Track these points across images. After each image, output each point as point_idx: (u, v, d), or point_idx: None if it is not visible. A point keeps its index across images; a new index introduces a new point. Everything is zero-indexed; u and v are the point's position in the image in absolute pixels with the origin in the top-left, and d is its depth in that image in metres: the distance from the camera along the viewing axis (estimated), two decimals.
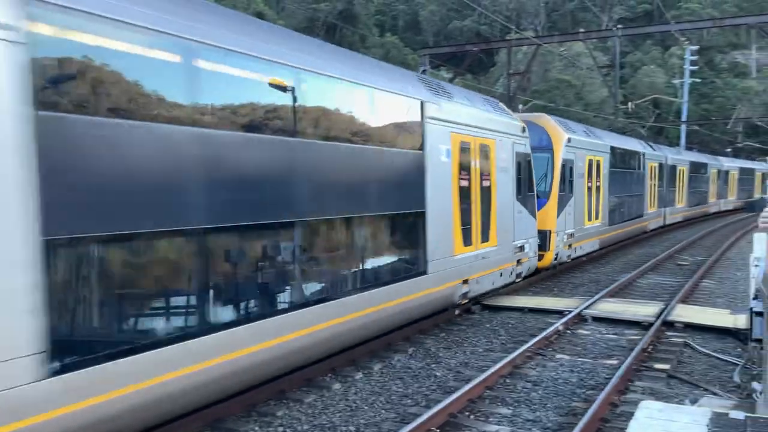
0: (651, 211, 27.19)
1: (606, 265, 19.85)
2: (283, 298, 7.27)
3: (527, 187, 14.49)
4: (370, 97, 8.97)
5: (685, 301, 13.84)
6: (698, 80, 55.03)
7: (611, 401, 7.67)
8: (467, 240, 11.68)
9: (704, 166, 39.33)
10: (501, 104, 14.61)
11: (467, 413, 7.44)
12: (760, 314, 8.07)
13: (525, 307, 13.01)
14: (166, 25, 5.87)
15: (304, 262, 7.60)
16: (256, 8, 69.72)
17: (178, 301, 6.04)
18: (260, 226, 6.90)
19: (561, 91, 57.64)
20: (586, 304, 12.93)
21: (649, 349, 10.05)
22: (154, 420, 5.88)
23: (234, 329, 6.49)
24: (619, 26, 26.88)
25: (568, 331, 11.37)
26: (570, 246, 18.06)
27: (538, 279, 16.21)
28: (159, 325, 5.80)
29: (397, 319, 9.81)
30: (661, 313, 12.12)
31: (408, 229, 9.88)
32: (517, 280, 14.39)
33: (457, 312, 12.24)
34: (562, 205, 17.26)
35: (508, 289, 14.27)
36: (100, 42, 5.30)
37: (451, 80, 28.89)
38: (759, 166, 55.90)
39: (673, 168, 31.30)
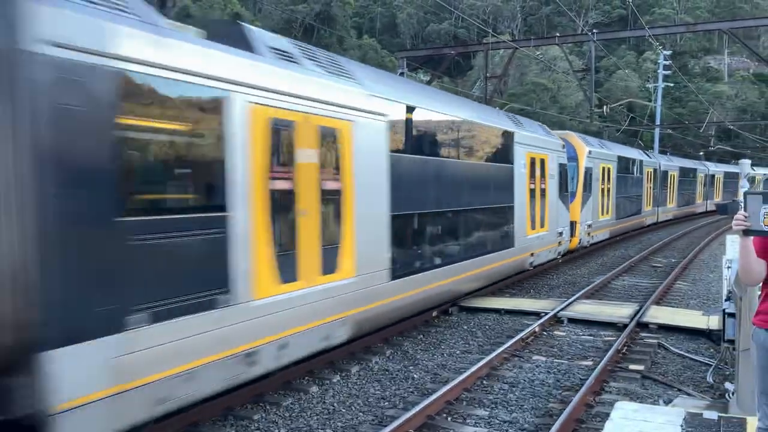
0: (647, 209, 31.71)
1: (582, 266, 20.03)
2: (472, 250, 12.85)
3: (564, 188, 19.07)
4: (492, 131, 14.11)
5: (659, 302, 14.02)
6: (671, 84, 55.82)
7: (587, 402, 7.74)
8: (533, 225, 16.20)
9: (693, 170, 43.51)
10: (546, 127, 18.98)
11: (445, 415, 7.46)
12: (732, 315, 8.19)
13: (502, 309, 13.08)
14: (455, 113, 12.30)
15: (472, 232, 12.92)
16: (233, 9, 69.38)
17: (441, 246, 11.54)
18: (459, 211, 12.31)
19: (537, 95, 58.13)
20: (562, 305, 13.04)
21: (624, 350, 10.16)
22: (430, 304, 11.58)
23: (461, 263, 12.28)
24: (595, 31, 27.17)
25: (545, 333, 11.45)
26: (589, 234, 22.48)
27: (515, 281, 16.31)
28: (430, 257, 11.07)
29: (502, 273, 14.77)
30: (635, 314, 12.26)
31: (506, 216, 14.60)
32: (558, 258, 19.02)
33: (434, 314, 12.30)
34: (584, 202, 21.69)
35: (486, 291, 14.37)
36: (418, 119, 10.86)
37: (428, 83, 28.99)
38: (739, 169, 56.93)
39: (665, 173, 34.89)
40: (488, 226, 13.72)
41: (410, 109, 10.58)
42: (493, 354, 9.48)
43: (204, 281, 6.24)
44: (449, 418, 7.38)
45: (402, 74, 23.93)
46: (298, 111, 7.65)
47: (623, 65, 72.53)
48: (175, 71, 5.96)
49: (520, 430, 7.05)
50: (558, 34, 26.41)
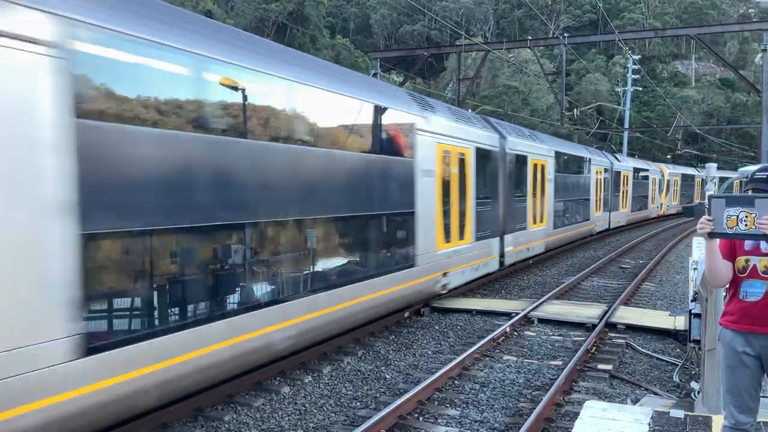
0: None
1: (551, 267, 20.24)
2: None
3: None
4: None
5: (627, 303, 14.22)
6: (640, 88, 56.68)
7: (556, 401, 7.83)
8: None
9: (692, 177, 48.57)
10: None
11: (416, 415, 7.49)
12: (698, 316, 8.35)
13: (473, 310, 13.16)
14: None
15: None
16: (204, 6, 68.75)
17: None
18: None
19: (509, 97, 58.62)
20: (533, 306, 13.17)
21: (593, 350, 10.29)
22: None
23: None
24: (566, 34, 27.49)
25: (515, 333, 11.55)
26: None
27: (487, 281, 16.43)
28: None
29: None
30: (604, 315, 12.42)
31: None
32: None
33: (406, 314, 12.32)
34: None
35: (457, 291, 14.41)
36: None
37: (401, 84, 29.04)
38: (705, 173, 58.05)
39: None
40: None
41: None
42: (465, 354, 9.54)
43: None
44: (421, 418, 7.41)
45: (375, 75, 23.95)
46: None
47: (593, 69, 73.48)
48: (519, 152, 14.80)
49: (491, 429, 7.10)
50: (530, 38, 26.69)
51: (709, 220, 4.00)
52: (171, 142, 6.22)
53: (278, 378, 8.67)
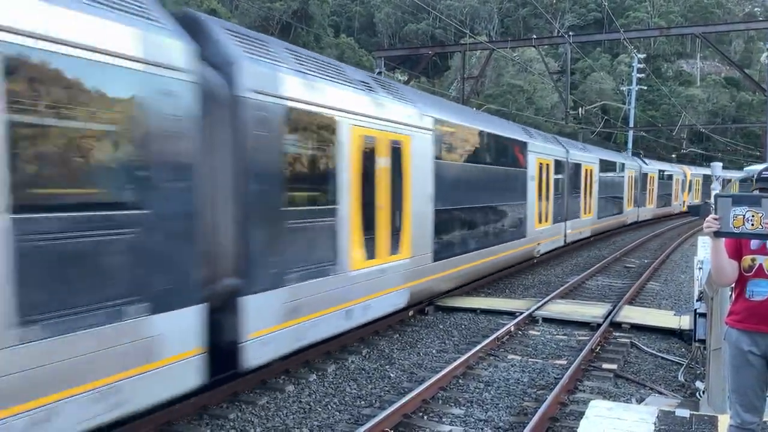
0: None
1: (556, 267, 20.21)
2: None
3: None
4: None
5: (631, 302, 14.20)
6: (645, 87, 56.54)
7: (560, 401, 7.82)
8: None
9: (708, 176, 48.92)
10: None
11: (421, 414, 7.49)
12: (703, 315, 8.34)
13: (477, 308, 13.15)
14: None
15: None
16: (209, 5, 68.78)
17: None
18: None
19: (513, 96, 58.54)
20: (537, 305, 13.15)
21: (597, 350, 10.27)
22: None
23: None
24: (571, 33, 27.43)
25: (520, 332, 11.54)
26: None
27: (490, 280, 16.41)
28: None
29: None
30: (608, 314, 12.41)
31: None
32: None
33: (410, 313, 12.33)
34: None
35: (461, 290, 14.43)
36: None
37: (406, 83, 29.02)
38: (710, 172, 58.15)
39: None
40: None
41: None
42: (469, 353, 9.54)
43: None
44: (425, 417, 7.41)
45: (380, 74, 23.96)
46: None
47: (598, 68, 73.35)
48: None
49: (495, 428, 7.10)
50: (534, 36, 26.64)
51: (716, 219, 4.00)
52: (463, 168, 13.56)
53: (282, 376, 8.68)
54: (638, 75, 49.37)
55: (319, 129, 8.42)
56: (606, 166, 27.61)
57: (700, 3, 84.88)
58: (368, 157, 9.62)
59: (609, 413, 5.76)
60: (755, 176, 4.48)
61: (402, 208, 10.75)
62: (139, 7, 5.78)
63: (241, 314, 7.03)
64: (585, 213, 24.28)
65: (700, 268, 9.93)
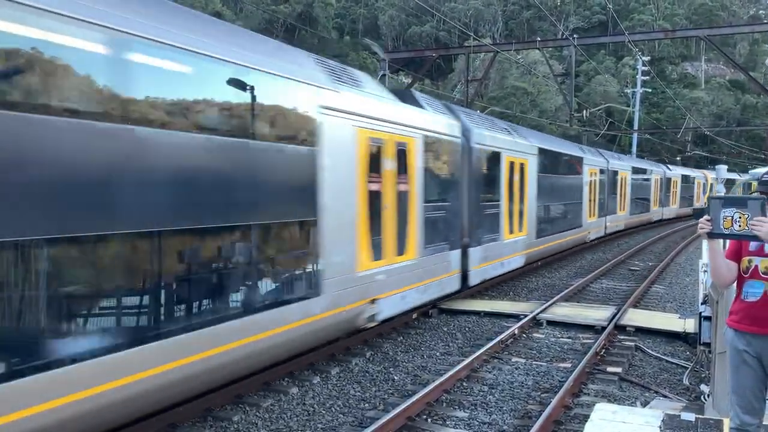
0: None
1: (560, 269, 20.18)
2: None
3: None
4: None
5: (636, 305, 14.16)
6: (650, 90, 56.48)
7: (565, 404, 7.80)
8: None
9: (732, 180, 51.91)
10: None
11: (425, 416, 7.48)
12: (708, 319, 8.32)
13: (481, 311, 13.13)
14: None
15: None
16: (214, 8, 68.94)
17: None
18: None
19: (517, 98, 58.49)
20: (541, 308, 13.13)
21: (602, 353, 10.25)
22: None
23: None
24: (575, 35, 27.40)
25: (524, 335, 11.52)
26: None
27: (494, 283, 16.39)
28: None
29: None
30: (613, 317, 12.37)
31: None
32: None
33: (414, 316, 12.33)
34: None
35: (465, 293, 14.40)
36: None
37: (410, 85, 29.02)
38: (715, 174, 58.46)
39: (496, 155, 39.74)
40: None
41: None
42: (473, 356, 9.52)
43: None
44: (429, 420, 7.40)
45: (383, 76, 23.99)
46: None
47: (602, 70, 73.27)
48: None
49: (500, 431, 7.09)
50: (539, 39, 26.61)
51: (708, 221, 4.07)
52: (550, 178, 18.94)
53: (286, 379, 8.68)
54: (642, 77, 49.37)
55: (495, 158, 15.12)
56: (636, 172, 33.17)
57: (704, 5, 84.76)
58: (512, 172, 16.21)
59: (614, 416, 5.74)
60: (758, 179, 4.55)
61: (524, 203, 17.14)
62: (448, 109, 13.70)
63: (469, 257, 13.52)
64: (620, 210, 29.82)
65: (705, 271, 9.91)
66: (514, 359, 9.96)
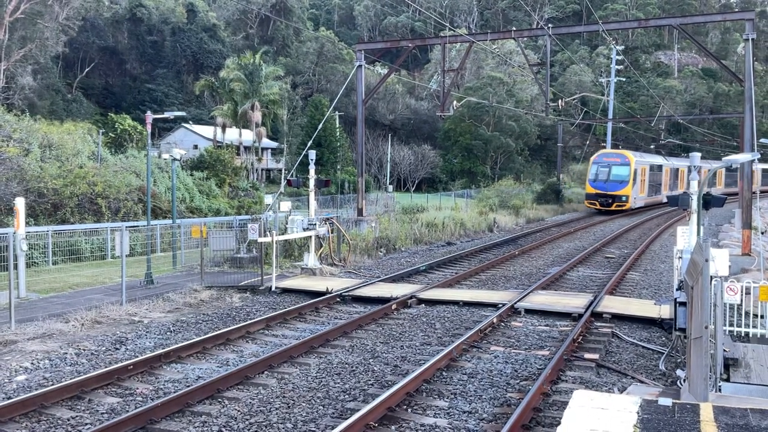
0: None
1: (538, 258, 20.32)
2: None
3: None
4: None
5: (612, 292, 14.31)
6: (624, 79, 56.91)
7: (544, 391, 7.86)
8: None
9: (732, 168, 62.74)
10: None
11: (405, 407, 7.48)
12: (683, 305, 8.43)
13: (460, 301, 13.17)
14: None
15: None
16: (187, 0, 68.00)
17: None
18: None
19: (493, 88, 58.57)
20: (519, 297, 13.21)
21: (579, 340, 10.34)
22: None
23: None
24: (550, 25, 27.49)
25: (502, 324, 11.58)
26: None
27: (473, 272, 16.45)
28: None
29: None
30: (590, 304, 12.49)
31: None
32: None
33: (394, 306, 12.32)
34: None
35: (444, 282, 14.43)
36: None
37: (386, 76, 28.91)
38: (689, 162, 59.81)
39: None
40: None
41: None
42: (452, 345, 9.55)
43: None
44: (409, 410, 7.41)
45: (360, 67, 23.87)
46: None
47: (577, 60, 73.68)
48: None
49: (480, 419, 7.12)
50: (514, 29, 26.65)
51: None
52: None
53: (266, 371, 8.64)
54: (617, 67, 49.70)
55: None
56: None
57: None
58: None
59: (592, 403, 5.78)
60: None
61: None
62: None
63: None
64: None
65: (679, 258, 10.02)
66: (493, 348, 10.01)
